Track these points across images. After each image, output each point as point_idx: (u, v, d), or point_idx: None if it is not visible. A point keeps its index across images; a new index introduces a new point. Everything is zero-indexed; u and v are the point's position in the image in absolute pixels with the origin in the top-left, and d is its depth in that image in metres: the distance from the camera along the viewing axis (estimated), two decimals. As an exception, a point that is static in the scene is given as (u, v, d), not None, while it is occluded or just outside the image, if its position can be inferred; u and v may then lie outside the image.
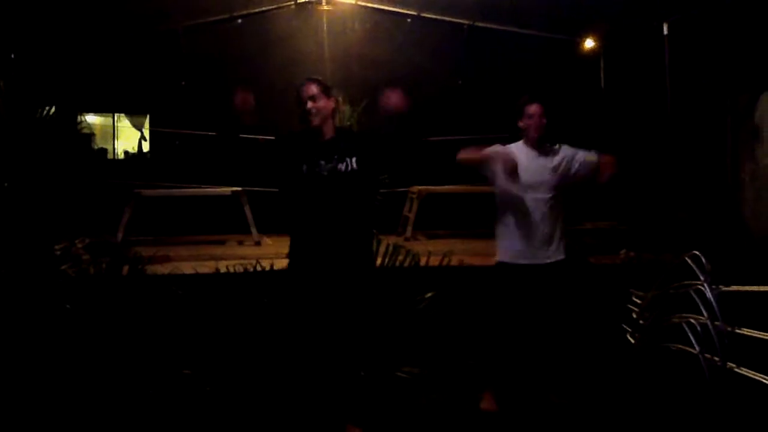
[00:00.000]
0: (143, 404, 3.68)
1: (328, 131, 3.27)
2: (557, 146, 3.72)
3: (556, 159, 3.66)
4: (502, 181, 3.62)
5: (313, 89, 3.21)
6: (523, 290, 3.64)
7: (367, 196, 3.33)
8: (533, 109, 3.65)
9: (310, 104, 3.18)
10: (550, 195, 3.61)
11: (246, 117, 3.32)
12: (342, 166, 3.16)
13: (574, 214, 3.78)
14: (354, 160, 3.16)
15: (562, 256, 3.68)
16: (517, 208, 3.62)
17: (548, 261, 3.64)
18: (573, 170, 3.64)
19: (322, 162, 3.16)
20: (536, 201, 3.60)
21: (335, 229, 3.18)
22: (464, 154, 3.59)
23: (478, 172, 3.69)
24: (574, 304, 3.83)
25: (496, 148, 3.65)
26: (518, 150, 3.68)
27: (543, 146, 3.69)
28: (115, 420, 3.50)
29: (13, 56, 5.93)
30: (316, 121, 3.20)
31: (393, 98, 3.21)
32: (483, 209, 8.68)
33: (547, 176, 3.62)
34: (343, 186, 3.17)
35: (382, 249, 4.86)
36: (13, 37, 6.20)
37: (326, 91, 3.25)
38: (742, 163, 7.48)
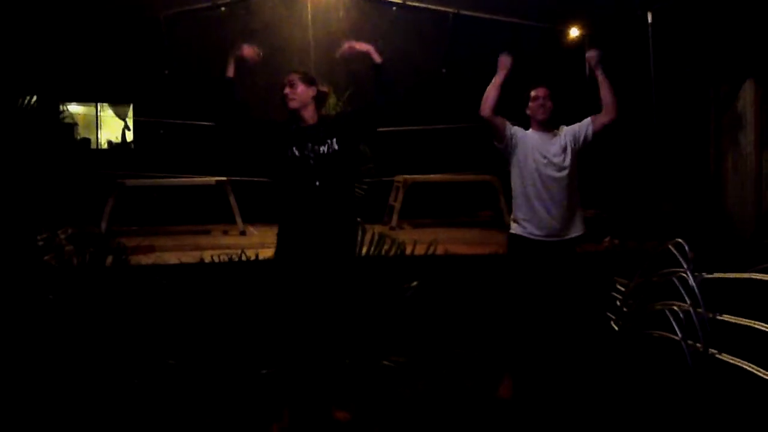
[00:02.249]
0: (128, 394, 3.67)
1: (310, 117, 3.35)
2: (560, 128, 3.78)
3: (566, 139, 3.72)
4: (517, 160, 3.69)
5: (292, 77, 3.33)
6: (541, 265, 3.69)
7: (350, 176, 3.44)
8: (538, 92, 3.72)
9: (287, 89, 3.31)
10: (565, 173, 3.66)
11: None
12: (324, 149, 3.26)
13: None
14: (334, 140, 3.27)
15: (580, 232, 3.75)
16: (534, 188, 3.66)
17: (568, 236, 3.71)
18: (582, 137, 3.73)
19: (309, 144, 3.25)
20: (553, 180, 3.65)
21: (323, 211, 3.26)
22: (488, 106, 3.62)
23: (495, 135, 3.71)
24: (581, 282, 3.88)
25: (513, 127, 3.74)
26: (530, 135, 3.71)
27: (552, 129, 3.74)
28: (100, 410, 3.48)
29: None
30: (292, 104, 3.31)
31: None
32: (467, 198, 8.78)
33: (560, 157, 3.67)
34: (327, 167, 3.25)
35: (367, 238, 4.87)
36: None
37: (305, 79, 3.36)
38: (725, 152, 7.53)
